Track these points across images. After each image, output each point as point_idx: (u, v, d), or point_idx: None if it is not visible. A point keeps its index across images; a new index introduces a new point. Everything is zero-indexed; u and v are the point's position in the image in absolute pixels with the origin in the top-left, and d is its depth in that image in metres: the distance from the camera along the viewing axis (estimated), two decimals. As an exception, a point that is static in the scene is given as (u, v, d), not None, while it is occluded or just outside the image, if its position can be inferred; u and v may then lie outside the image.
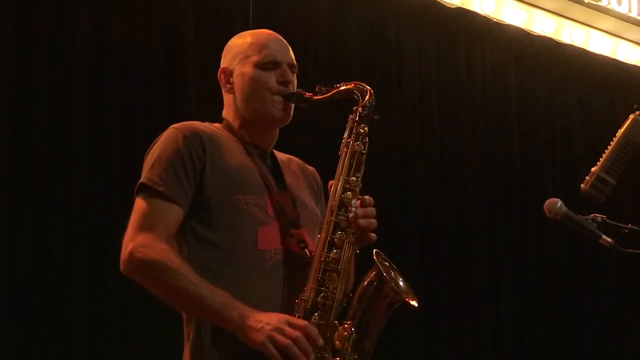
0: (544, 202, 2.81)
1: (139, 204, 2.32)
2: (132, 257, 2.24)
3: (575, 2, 6.40)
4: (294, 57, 2.56)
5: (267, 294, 2.29)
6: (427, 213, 5.60)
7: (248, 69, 2.49)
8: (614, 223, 2.81)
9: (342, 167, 2.38)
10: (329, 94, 2.46)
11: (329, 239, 2.31)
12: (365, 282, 2.32)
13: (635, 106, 2.21)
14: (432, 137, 5.78)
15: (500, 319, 5.90)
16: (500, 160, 6.10)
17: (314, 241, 2.44)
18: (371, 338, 2.29)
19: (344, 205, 2.34)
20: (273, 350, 2.10)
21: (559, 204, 2.78)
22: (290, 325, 2.14)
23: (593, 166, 2.20)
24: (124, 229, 2.31)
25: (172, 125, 2.43)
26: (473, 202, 5.89)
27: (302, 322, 2.18)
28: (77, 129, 4.24)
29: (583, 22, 6.62)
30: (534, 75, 6.43)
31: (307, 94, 2.47)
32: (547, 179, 6.33)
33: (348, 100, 2.46)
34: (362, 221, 2.33)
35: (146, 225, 2.27)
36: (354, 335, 2.25)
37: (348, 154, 2.39)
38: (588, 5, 6.46)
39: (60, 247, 4.08)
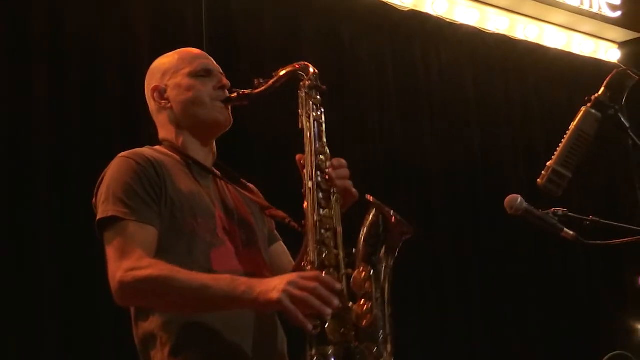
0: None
1: (112, 236, 2.25)
2: (123, 285, 2.18)
3: (527, -2, 6.47)
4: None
5: (236, 312, 2.25)
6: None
7: (183, 79, 2.49)
8: (575, 215, 2.84)
9: (310, 135, 2.35)
10: (269, 82, 2.45)
11: (316, 201, 2.27)
12: (369, 225, 2.29)
13: (586, 98, 2.22)
14: (392, 137, 5.77)
15: (471, 321, 5.90)
16: (461, 158, 6.11)
17: (266, 259, 2.45)
18: (386, 278, 2.25)
19: (320, 168, 2.31)
20: (291, 305, 2.02)
21: (519, 199, 2.80)
22: (302, 278, 2.08)
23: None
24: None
25: (121, 154, 2.39)
26: (435, 200, 5.89)
27: (313, 273, 2.12)
28: (36, 130, 4.17)
29: (536, 17, 6.66)
30: (490, 72, 6.46)
31: (245, 91, 2.47)
32: (509, 174, 6.35)
33: (291, 83, 2.44)
34: (338, 182, 2.31)
35: (126, 251, 2.21)
36: (373, 273, 2.21)
37: (310, 122, 2.36)
38: (540, 0, 6.50)
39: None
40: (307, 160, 2.32)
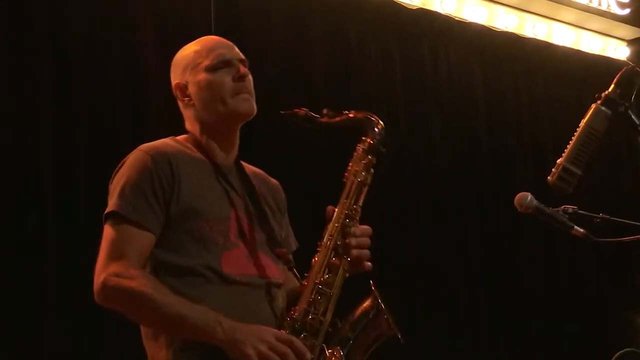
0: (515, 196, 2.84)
1: (110, 231, 2.27)
2: (105, 287, 2.20)
3: (536, -5, 6.45)
4: (240, 52, 2.54)
5: (240, 316, 2.26)
6: (395, 212, 5.55)
7: (201, 75, 2.46)
8: (586, 213, 2.83)
9: (346, 195, 2.39)
10: (336, 118, 2.47)
11: (326, 262, 2.30)
12: (360, 311, 2.32)
13: (596, 95, 2.22)
14: (400, 136, 5.75)
15: (478, 320, 5.89)
16: (469, 156, 6.10)
17: (278, 265, 2.44)
18: None
19: (343, 231, 2.34)
20: None
21: (529, 197, 2.80)
22: (278, 339, 2.13)
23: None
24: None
25: (139, 148, 2.39)
26: (443, 199, 5.88)
27: (289, 337, 2.16)
28: (39, 130, 4.17)
29: (545, 15, 6.65)
30: (499, 71, 6.45)
31: (314, 114, 2.47)
32: (518, 172, 6.34)
33: (355, 129, 2.46)
34: (354, 251, 2.34)
35: (118, 253, 2.23)
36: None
37: (354, 183, 2.40)
38: (549, -2, 6.51)
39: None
40: (334, 220, 2.35)
